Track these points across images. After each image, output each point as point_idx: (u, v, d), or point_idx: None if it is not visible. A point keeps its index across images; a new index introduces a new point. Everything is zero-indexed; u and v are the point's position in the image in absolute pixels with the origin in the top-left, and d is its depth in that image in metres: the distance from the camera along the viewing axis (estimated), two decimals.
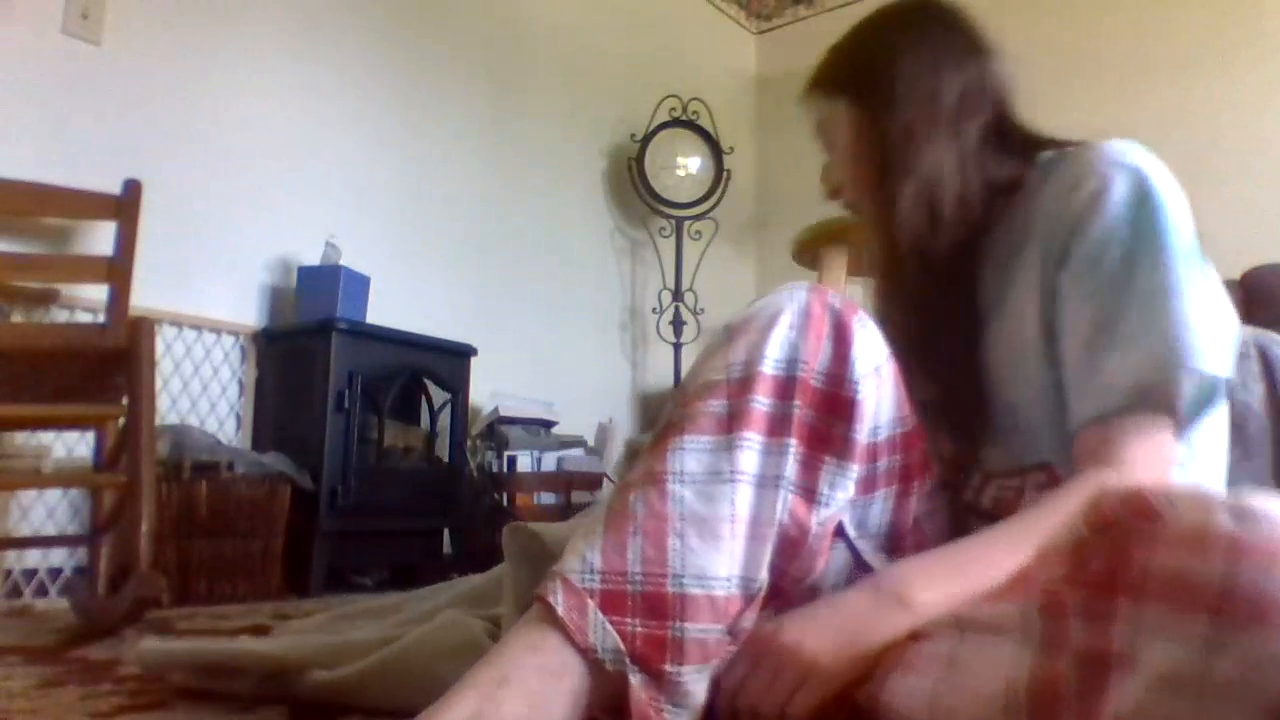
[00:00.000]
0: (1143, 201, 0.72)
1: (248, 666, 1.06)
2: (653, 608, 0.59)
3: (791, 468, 0.65)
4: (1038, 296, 0.77)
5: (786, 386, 0.66)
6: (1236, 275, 2.43)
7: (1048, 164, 0.82)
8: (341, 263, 2.56)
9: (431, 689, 0.61)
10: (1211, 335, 0.70)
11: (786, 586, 0.67)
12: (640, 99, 3.71)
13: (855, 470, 0.68)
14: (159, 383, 2.19)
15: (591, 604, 0.59)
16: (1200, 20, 3.27)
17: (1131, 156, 0.75)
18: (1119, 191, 0.73)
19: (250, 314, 2.57)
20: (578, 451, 3.17)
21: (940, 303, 0.84)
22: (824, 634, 0.61)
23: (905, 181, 0.81)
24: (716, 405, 0.66)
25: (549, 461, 3.03)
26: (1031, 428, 0.79)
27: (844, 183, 0.88)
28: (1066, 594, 0.52)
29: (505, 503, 2.88)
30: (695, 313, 3.73)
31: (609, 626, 0.58)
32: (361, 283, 2.61)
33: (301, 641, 1.14)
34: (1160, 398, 0.70)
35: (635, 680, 0.58)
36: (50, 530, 2.09)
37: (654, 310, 3.77)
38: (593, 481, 3.13)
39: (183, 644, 1.15)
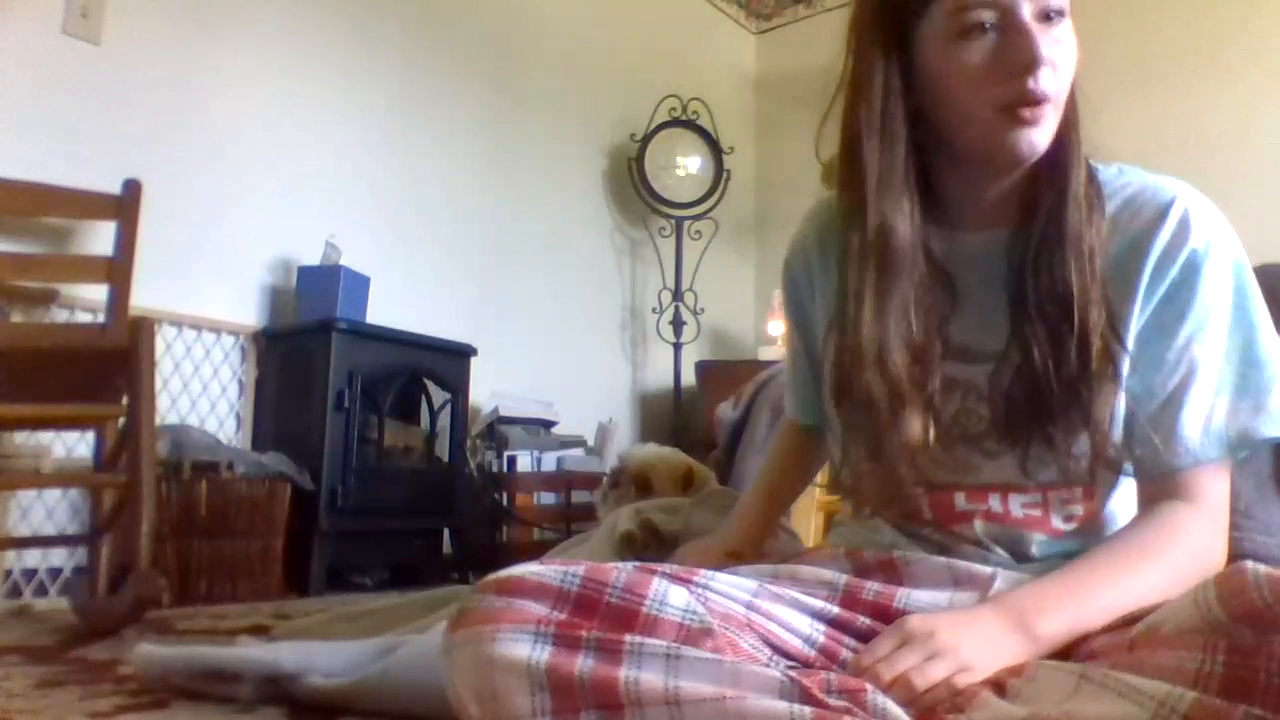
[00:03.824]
0: (1238, 265, 0.77)
1: (244, 671, 1.06)
2: None
3: None
4: (1104, 307, 0.75)
5: None
6: None
7: (1113, 187, 0.79)
8: (341, 263, 2.56)
9: (425, 700, 0.61)
10: None
11: None
12: (640, 99, 3.70)
13: None
14: (159, 383, 2.19)
15: None
16: (1191, 22, 3.27)
17: (1215, 213, 0.78)
18: (1220, 256, 0.76)
19: (250, 314, 2.57)
20: (578, 451, 3.17)
21: (1033, 276, 0.77)
22: (979, 644, 0.63)
23: (1073, 120, 0.77)
24: None
25: (549, 461, 3.03)
26: (1078, 448, 0.75)
27: (1054, 91, 0.74)
28: (1229, 713, 0.48)
29: (505, 503, 2.88)
30: (695, 313, 3.73)
31: None
32: (361, 283, 2.61)
33: (297, 646, 1.14)
34: (1247, 447, 0.74)
35: None
36: (50, 530, 2.09)
37: (654, 310, 3.77)
38: (593, 481, 3.13)
39: (179, 650, 1.15)
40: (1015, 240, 0.78)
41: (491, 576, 0.63)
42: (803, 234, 0.95)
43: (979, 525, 0.79)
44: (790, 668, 0.63)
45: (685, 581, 0.66)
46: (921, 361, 0.77)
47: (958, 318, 0.80)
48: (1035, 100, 0.72)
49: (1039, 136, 0.73)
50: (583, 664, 0.56)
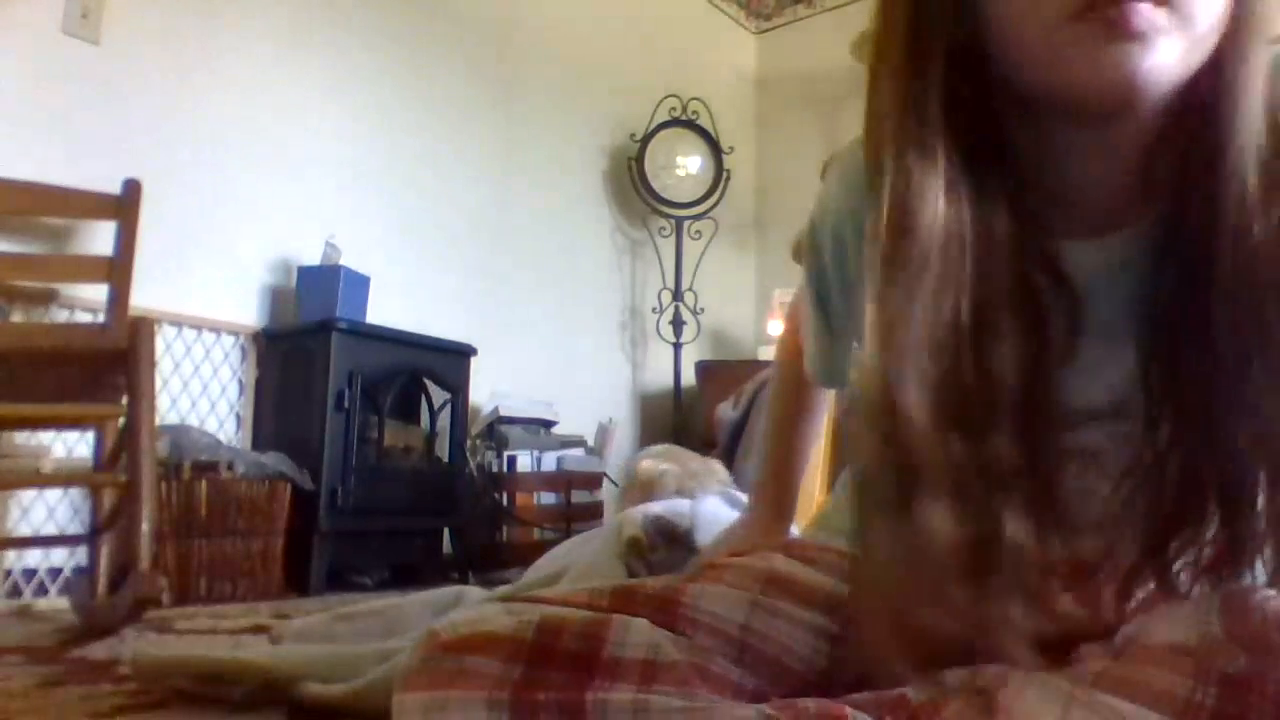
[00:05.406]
0: None
1: (240, 676, 1.06)
2: None
3: None
4: None
5: None
6: None
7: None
8: (341, 263, 2.56)
9: None
10: None
11: None
12: (640, 99, 3.70)
13: None
14: (159, 383, 2.19)
15: None
16: None
17: None
18: None
19: (250, 314, 2.57)
20: (578, 451, 3.17)
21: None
22: None
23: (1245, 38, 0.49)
24: None
25: (549, 461, 3.03)
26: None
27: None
28: None
29: (505, 503, 2.88)
30: (695, 313, 3.73)
31: None
32: (361, 283, 2.61)
33: (296, 651, 1.14)
34: None
35: None
36: (50, 530, 2.09)
37: (654, 310, 3.77)
38: (593, 481, 3.13)
39: (175, 652, 1.15)
40: (1137, 256, 0.53)
41: (442, 630, 0.56)
42: (833, 197, 0.69)
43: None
44: (785, 691, 0.60)
45: (672, 604, 0.61)
46: (1019, 429, 0.50)
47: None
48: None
49: (1147, 58, 0.45)
50: None
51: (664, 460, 1.66)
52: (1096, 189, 0.54)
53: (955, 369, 0.50)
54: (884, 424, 0.50)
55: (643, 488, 1.61)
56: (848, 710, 0.52)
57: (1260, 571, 0.52)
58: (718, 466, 1.74)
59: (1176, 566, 0.53)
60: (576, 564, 1.38)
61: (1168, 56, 0.46)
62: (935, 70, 0.51)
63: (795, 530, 0.99)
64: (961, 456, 0.49)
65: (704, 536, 1.27)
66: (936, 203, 0.50)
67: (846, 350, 0.78)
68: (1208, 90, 0.48)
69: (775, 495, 0.97)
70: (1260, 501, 0.50)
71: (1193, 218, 0.50)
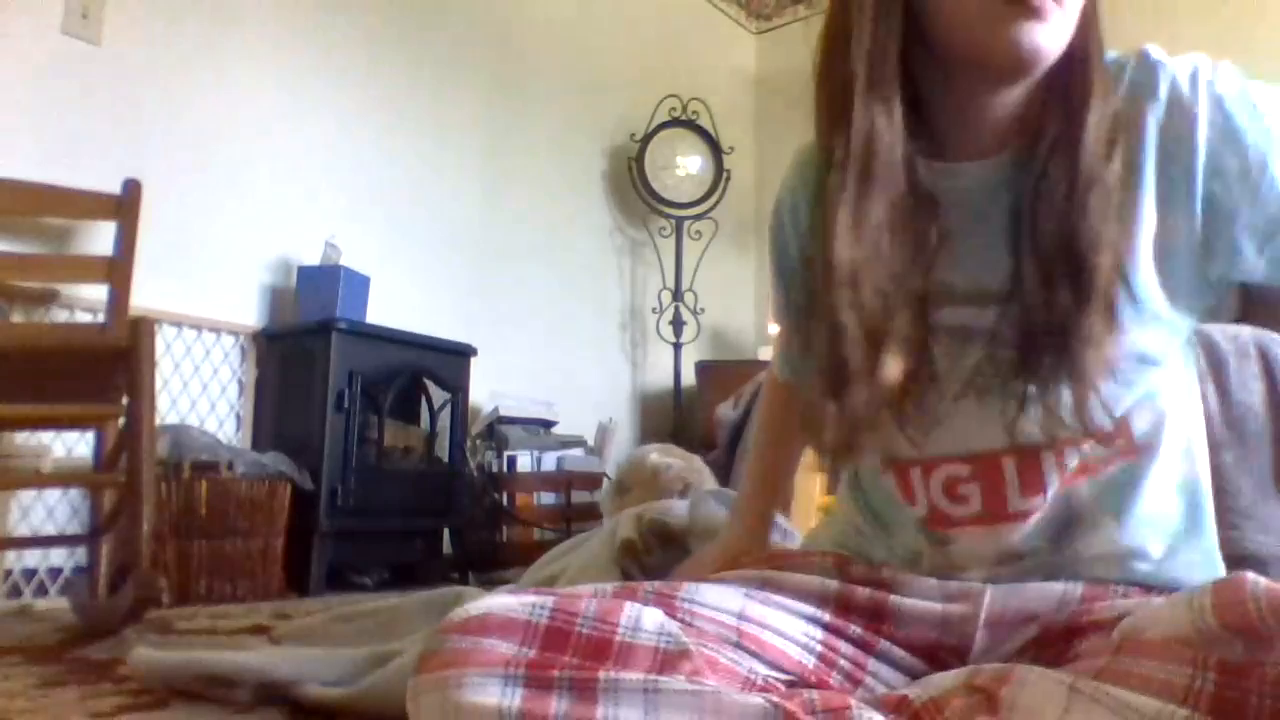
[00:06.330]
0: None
1: (239, 678, 1.06)
2: None
3: None
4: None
5: None
6: None
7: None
8: (341, 263, 2.56)
9: None
10: None
11: None
12: (640, 99, 3.71)
13: None
14: (159, 383, 2.19)
15: None
16: (1199, 27, 3.27)
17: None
18: (1223, 68, 0.67)
19: (250, 314, 2.57)
20: (578, 451, 3.18)
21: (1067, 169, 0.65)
22: None
23: (1093, 22, 0.67)
24: None
25: (549, 461, 3.04)
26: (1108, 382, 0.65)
27: None
28: None
29: (505, 503, 2.88)
30: (695, 313, 3.73)
31: None
32: (361, 283, 2.61)
33: (295, 653, 1.14)
34: None
35: None
36: (50, 530, 2.09)
37: (654, 310, 3.77)
38: (593, 481, 3.13)
39: (176, 655, 1.15)
40: (1014, 173, 0.68)
41: (456, 615, 0.59)
42: (789, 177, 0.85)
43: (1086, 487, 0.69)
44: (783, 681, 0.62)
45: (668, 598, 0.63)
46: (903, 294, 0.67)
47: (963, 258, 0.69)
48: None
49: (1045, 36, 0.62)
50: (557, 706, 0.53)
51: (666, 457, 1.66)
52: (992, 125, 0.69)
53: (893, 256, 0.66)
54: (852, 292, 0.66)
55: (645, 485, 1.61)
56: (850, 700, 0.55)
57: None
58: (701, 465, 1.75)
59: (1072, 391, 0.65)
60: (572, 566, 1.38)
61: (1054, 32, 0.62)
62: (898, 27, 0.66)
63: (786, 524, 0.99)
64: (874, 315, 0.66)
65: (700, 536, 1.27)
66: (890, 134, 0.66)
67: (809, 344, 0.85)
68: (1065, 66, 0.65)
69: (751, 523, 0.99)
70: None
71: (1053, 148, 0.65)
